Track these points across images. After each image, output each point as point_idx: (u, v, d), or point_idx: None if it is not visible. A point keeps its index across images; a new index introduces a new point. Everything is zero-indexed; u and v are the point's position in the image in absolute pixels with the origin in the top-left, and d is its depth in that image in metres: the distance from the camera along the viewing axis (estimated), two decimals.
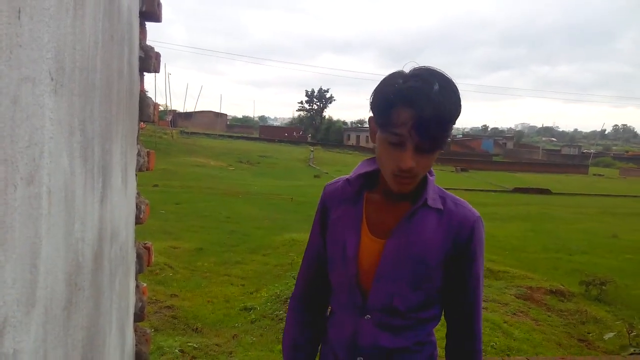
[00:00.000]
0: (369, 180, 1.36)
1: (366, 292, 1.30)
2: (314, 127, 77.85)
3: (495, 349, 4.51)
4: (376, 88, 1.21)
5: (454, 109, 1.14)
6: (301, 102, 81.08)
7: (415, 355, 1.33)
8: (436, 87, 1.11)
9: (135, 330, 2.14)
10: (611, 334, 5.24)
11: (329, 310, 1.50)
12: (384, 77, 1.22)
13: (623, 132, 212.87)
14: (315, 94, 78.88)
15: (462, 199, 1.35)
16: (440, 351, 1.42)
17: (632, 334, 4.94)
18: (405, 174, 1.18)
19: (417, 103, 1.10)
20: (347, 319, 1.34)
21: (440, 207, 1.29)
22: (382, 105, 1.16)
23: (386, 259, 1.27)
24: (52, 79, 0.94)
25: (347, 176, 1.40)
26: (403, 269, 1.26)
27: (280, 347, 4.43)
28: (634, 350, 4.59)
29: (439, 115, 1.11)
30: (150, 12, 2.00)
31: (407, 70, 1.18)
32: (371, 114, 1.24)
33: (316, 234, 1.45)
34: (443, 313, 1.40)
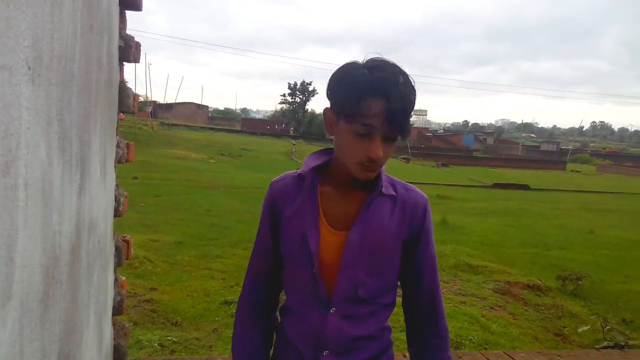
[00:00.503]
0: (319, 173, 1.36)
1: (330, 285, 1.30)
2: (296, 120, 77.63)
3: (473, 342, 4.56)
4: (336, 79, 1.22)
5: (415, 100, 1.19)
6: (284, 95, 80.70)
7: (378, 341, 1.36)
8: (401, 78, 1.16)
9: (114, 324, 2.12)
10: (585, 328, 5.34)
11: (283, 309, 1.43)
12: (340, 68, 1.24)
13: (601, 129, 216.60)
14: (298, 86, 78.57)
15: (410, 184, 1.38)
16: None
17: (606, 328, 5.04)
18: (374, 163, 1.20)
19: (389, 94, 1.13)
20: (312, 314, 1.32)
21: (394, 193, 1.32)
22: (350, 97, 1.16)
23: (349, 250, 1.28)
24: (29, 68, 0.92)
25: (293, 172, 1.37)
26: (365, 258, 1.29)
27: None
28: (607, 344, 4.69)
29: (407, 105, 1.16)
30: (131, 0, 1.97)
31: (360, 61, 1.21)
32: (327, 106, 1.26)
33: (265, 235, 1.40)
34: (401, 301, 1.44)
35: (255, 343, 1.43)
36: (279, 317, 1.47)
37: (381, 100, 1.13)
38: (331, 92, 1.24)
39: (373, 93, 1.14)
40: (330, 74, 1.26)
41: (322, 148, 1.43)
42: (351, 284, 1.29)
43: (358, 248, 1.28)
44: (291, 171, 1.39)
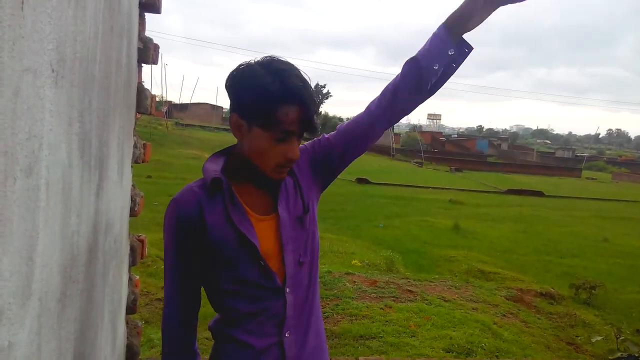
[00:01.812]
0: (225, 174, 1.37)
1: (277, 269, 1.34)
2: None
3: (484, 349, 4.53)
4: (243, 86, 1.25)
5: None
6: None
7: (317, 301, 1.46)
8: (307, 81, 1.25)
9: (127, 323, 2.14)
10: (599, 338, 5.28)
11: (220, 323, 1.42)
12: (240, 72, 1.26)
13: (617, 137, 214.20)
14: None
15: None
16: None
17: (620, 338, 4.98)
18: (291, 163, 1.28)
19: (303, 101, 1.21)
20: (268, 305, 1.33)
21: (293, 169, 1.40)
22: (266, 106, 1.21)
23: (284, 227, 1.34)
24: (52, 71, 0.93)
25: (194, 183, 1.35)
26: (297, 229, 1.36)
27: None
28: (621, 355, 4.63)
29: (317, 108, 1.26)
30: (150, 3, 1.99)
31: (256, 63, 1.25)
32: (234, 112, 1.28)
33: (186, 255, 1.34)
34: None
35: None
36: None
37: (296, 106, 1.20)
38: (238, 99, 1.26)
39: (288, 101, 1.20)
40: (230, 77, 1.28)
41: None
42: (295, 256, 1.35)
43: (289, 221, 1.35)
44: (190, 183, 1.37)
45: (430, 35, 1.39)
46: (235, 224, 1.29)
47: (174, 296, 1.39)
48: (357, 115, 1.46)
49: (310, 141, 1.49)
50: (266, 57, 1.27)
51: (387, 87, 1.42)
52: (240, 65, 1.29)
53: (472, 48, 1.39)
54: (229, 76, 1.29)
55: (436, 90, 1.43)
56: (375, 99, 1.44)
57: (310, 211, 1.40)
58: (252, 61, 1.27)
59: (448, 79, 1.42)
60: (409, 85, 1.38)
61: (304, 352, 1.38)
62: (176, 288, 1.38)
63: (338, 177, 1.56)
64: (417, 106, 1.43)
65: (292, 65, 1.26)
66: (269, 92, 1.19)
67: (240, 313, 1.34)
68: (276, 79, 1.20)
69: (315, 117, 1.24)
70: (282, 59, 1.26)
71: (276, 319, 1.34)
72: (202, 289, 1.41)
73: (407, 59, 1.39)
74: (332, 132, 1.48)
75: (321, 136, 1.49)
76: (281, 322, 1.35)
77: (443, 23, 1.37)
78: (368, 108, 1.45)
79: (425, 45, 1.38)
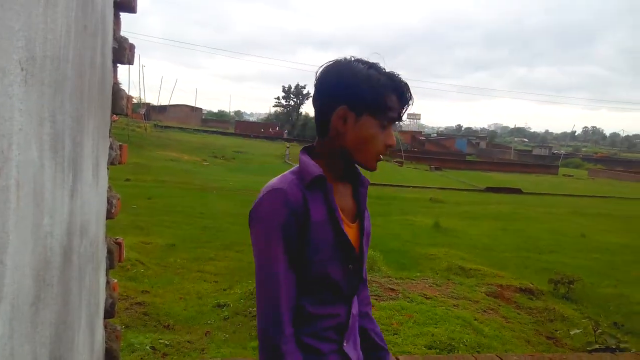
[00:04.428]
0: None
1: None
2: (290, 123, 77.56)
3: (466, 345, 4.57)
4: (356, 79, 1.30)
5: None
6: (278, 98, 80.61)
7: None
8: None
9: (106, 327, 2.11)
10: (577, 331, 5.37)
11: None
12: (346, 68, 1.32)
13: (592, 134, 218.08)
14: (292, 89, 78.52)
15: None
16: None
17: (598, 331, 5.07)
18: (390, 149, 1.36)
19: (403, 90, 1.31)
20: (337, 310, 1.36)
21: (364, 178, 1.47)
22: (378, 93, 1.29)
23: (364, 237, 1.43)
24: (22, 69, 0.91)
25: (291, 175, 1.31)
26: (365, 243, 1.44)
27: (253, 344, 4.41)
28: (599, 347, 4.71)
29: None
30: (125, 2, 1.97)
31: (348, 59, 1.34)
32: (343, 104, 1.31)
33: (291, 243, 1.25)
34: None
35: None
36: None
37: (396, 95, 1.31)
38: (351, 90, 1.30)
39: (394, 90, 1.30)
40: (335, 73, 1.32)
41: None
42: (364, 270, 1.45)
43: (365, 235, 1.43)
44: (285, 175, 1.33)
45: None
46: (340, 224, 1.31)
47: (281, 292, 1.25)
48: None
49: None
50: (351, 57, 1.35)
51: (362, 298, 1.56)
52: (334, 63, 1.34)
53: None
54: (332, 73, 1.33)
55: None
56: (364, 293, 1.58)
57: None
58: (351, 59, 1.34)
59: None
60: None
61: None
62: (284, 282, 1.25)
63: None
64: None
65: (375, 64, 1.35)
66: (381, 82, 1.29)
67: (308, 313, 1.31)
68: (380, 71, 1.31)
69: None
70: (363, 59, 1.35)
71: (339, 325, 1.37)
72: None
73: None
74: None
75: None
76: (343, 330, 1.37)
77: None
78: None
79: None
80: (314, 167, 1.31)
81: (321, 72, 1.34)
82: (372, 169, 1.36)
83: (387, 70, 1.33)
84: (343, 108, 1.30)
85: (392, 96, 1.30)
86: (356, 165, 1.39)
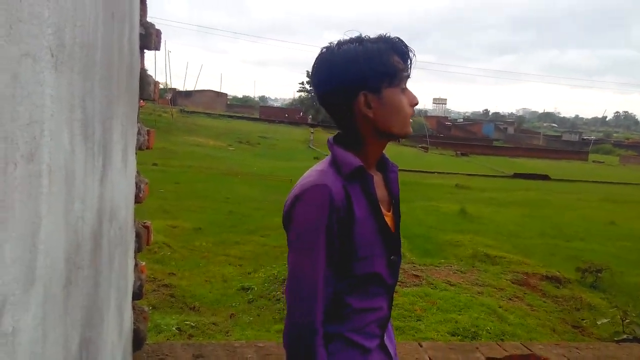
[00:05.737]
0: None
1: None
2: (314, 108, 77.36)
3: (490, 333, 4.54)
4: (358, 62, 1.25)
5: None
6: (302, 83, 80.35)
7: None
8: None
9: (134, 309, 2.16)
10: (605, 320, 5.28)
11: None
12: (338, 58, 1.27)
13: (624, 119, 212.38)
14: None
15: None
16: None
17: (626, 320, 4.98)
18: (416, 106, 1.34)
19: (401, 45, 1.29)
20: (379, 303, 1.34)
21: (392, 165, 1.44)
22: (385, 61, 1.26)
23: (398, 228, 1.37)
24: (52, 56, 0.93)
25: (328, 169, 1.27)
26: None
27: (277, 327, 4.46)
28: (627, 337, 4.64)
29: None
30: None
31: (331, 48, 1.29)
32: (360, 92, 1.26)
33: (333, 240, 1.21)
34: None
35: None
36: None
37: (398, 54, 1.28)
38: (360, 76, 1.25)
39: (394, 51, 1.27)
40: (341, 63, 1.26)
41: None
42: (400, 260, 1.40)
43: (399, 224, 1.38)
44: (322, 169, 1.28)
45: None
46: (383, 215, 1.29)
47: (318, 294, 1.21)
48: None
49: None
50: (330, 43, 1.31)
51: None
52: (322, 60, 1.29)
53: None
54: (328, 69, 1.27)
55: None
56: None
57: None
58: (333, 46, 1.29)
59: None
60: None
61: (395, 358, 1.41)
62: (321, 286, 1.21)
63: None
64: None
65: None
66: (380, 50, 1.26)
67: (352, 309, 1.28)
68: (371, 40, 1.28)
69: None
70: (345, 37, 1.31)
71: (382, 318, 1.35)
72: None
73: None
74: None
75: None
76: (384, 323, 1.36)
77: None
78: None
79: None
80: (352, 158, 1.27)
81: (316, 73, 1.30)
82: (409, 132, 1.34)
83: (371, 36, 1.29)
84: (362, 94, 1.25)
85: (395, 56, 1.27)
86: (395, 138, 1.33)
